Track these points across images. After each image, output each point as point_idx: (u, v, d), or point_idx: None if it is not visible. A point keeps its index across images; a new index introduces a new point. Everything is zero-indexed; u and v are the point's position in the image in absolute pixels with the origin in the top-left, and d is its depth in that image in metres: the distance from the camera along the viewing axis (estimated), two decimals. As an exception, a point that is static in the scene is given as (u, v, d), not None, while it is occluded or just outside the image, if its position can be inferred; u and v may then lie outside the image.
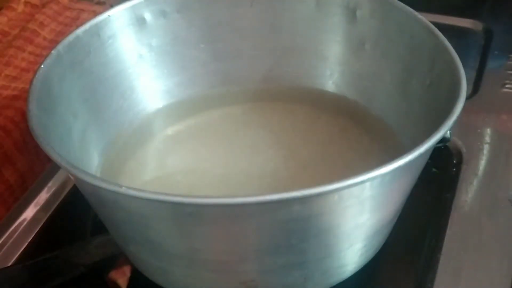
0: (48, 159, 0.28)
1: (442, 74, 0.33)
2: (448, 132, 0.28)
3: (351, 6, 0.39)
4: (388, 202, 0.30)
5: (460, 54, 0.32)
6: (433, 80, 0.34)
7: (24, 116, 0.32)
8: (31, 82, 0.32)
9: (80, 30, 0.36)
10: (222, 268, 0.30)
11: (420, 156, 0.26)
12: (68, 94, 0.35)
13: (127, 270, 0.35)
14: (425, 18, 0.35)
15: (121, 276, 0.35)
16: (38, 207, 0.40)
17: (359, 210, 0.28)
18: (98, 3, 0.54)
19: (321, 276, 0.32)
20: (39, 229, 0.39)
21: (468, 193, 0.39)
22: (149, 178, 0.39)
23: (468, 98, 0.30)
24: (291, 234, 0.28)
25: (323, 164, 0.39)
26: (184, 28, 0.41)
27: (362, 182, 0.25)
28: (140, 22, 0.40)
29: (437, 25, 0.35)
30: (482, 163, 0.41)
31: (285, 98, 0.44)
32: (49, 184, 0.42)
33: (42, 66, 0.33)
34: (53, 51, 0.34)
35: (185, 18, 0.41)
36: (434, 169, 0.41)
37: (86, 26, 0.37)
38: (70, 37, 0.36)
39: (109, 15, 0.38)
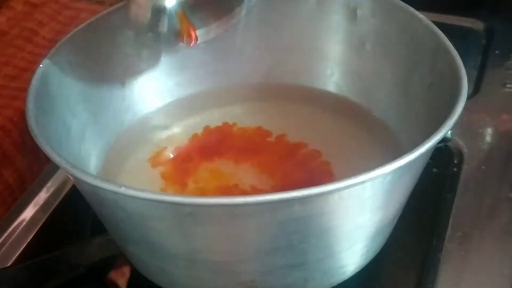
0: (47, 159, 0.28)
1: (443, 74, 0.33)
2: (449, 132, 0.28)
3: (351, 6, 0.39)
4: (389, 202, 0.30)
5: (461, 54, 0.32)
6: (434, 79, 0.34)
7: (23, 115, 0.32)
8: (30, 81, 0.32)
9: (79, 29, 0.36)
10: (222, 269, 0.30)
11: (421, 156, 0.26)
12: (67, 94, 0.35)
13: (126, 270, 0.35)
14: (426, 18, 0.35)
15: (121, 277, 0.35)
16: (37, 207, 0.40)
17: (360, 211, 0.28)
18: (98, 3, 0.54)
19: (321, 277, 0.32)
20: (38, 229, 0.39)
21: (469, 193, 0.39)
22: (149, 178, 0.39)
23: (469, 97, 0.29)
24: (291, 234, 0.27)
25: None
26: (184, 27, 0.41)
27: (363, 182, 0.25)
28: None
29: (438, 24, 0.34)
30: (483, 163, 0.41)
31: (286, 97, 0.44)
32: (48, 184, 0.42)
33: (41, 65, 0.33)
34: (52, 51, 0.34)
35: (185, 17, 0.41)
36: (435, 169, 0.41)
37: (85, 25, 0.37)
38: (70, 36, 0.36)
39: (108, 15, 0.38)
